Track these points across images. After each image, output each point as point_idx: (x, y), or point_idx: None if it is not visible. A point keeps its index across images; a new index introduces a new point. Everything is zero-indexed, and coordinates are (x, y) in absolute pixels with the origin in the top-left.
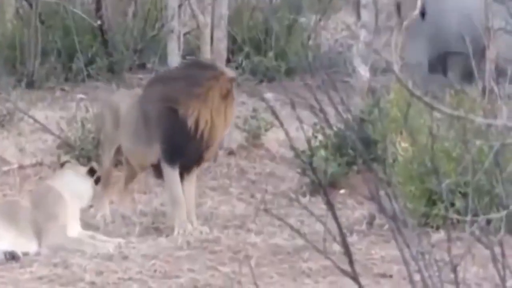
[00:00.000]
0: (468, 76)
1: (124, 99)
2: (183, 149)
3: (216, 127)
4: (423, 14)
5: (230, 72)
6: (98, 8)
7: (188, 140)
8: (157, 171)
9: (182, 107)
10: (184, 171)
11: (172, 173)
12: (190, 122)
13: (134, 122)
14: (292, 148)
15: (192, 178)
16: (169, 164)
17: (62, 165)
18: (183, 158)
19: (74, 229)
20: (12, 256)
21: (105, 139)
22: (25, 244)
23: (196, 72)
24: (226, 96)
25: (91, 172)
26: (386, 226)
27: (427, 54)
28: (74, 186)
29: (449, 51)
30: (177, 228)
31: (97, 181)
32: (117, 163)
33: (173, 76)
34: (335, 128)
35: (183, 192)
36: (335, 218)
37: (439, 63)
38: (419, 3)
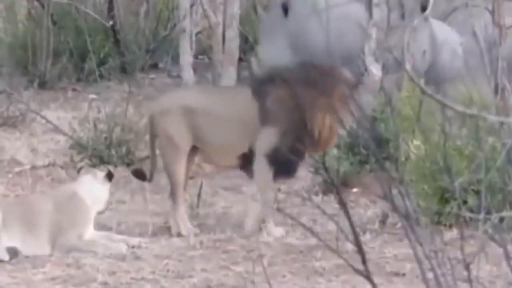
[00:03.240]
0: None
1: (197, 96)
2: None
3: (333, 135)
4: (285, 10)
5: (351, 78)
6: (110, 9)
7: (304, 152)
8: (246, 169)
9: (310, 118)
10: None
11: (268, 176)
12: (316, 134)
13: (239, 117)
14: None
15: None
16: (268, 166)
17: (78, 170)
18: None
19: (89, 233)
20: (14, 252)
21: (172, 145)
22: (38, 247)
23: (320, 78)
24: (345, 102)
25: (109, 176)
26: (399, 225)
27: (287, 58)
28: (94, 192)
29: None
30: (269, 233)
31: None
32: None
33: (296, 79)
34: (347, 127)
35: None
36: (348, 217)
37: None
38: (431, 1)
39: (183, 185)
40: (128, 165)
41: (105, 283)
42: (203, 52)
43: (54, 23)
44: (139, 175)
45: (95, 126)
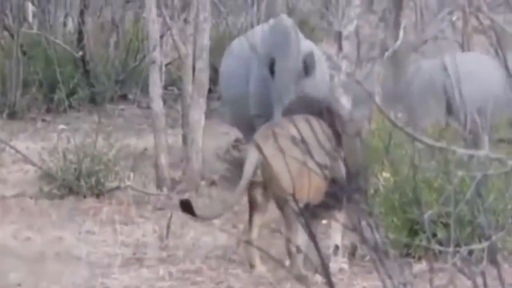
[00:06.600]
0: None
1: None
2: None
3: None
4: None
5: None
6: (80, 39)
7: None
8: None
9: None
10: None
11: None
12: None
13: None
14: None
15: None
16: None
17: None
18: None
19: None
20: None
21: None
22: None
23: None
24: None
25: None
26: (368, 257)
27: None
28: None
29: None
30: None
31: None
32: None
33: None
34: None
35: None
36: (317, 249)
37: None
38: (401, 34)
39: None
40: (97, 196)
41: None
42: (172, 83)
43: (23, 53)
44: (187, 207)
45: (64, 156)
